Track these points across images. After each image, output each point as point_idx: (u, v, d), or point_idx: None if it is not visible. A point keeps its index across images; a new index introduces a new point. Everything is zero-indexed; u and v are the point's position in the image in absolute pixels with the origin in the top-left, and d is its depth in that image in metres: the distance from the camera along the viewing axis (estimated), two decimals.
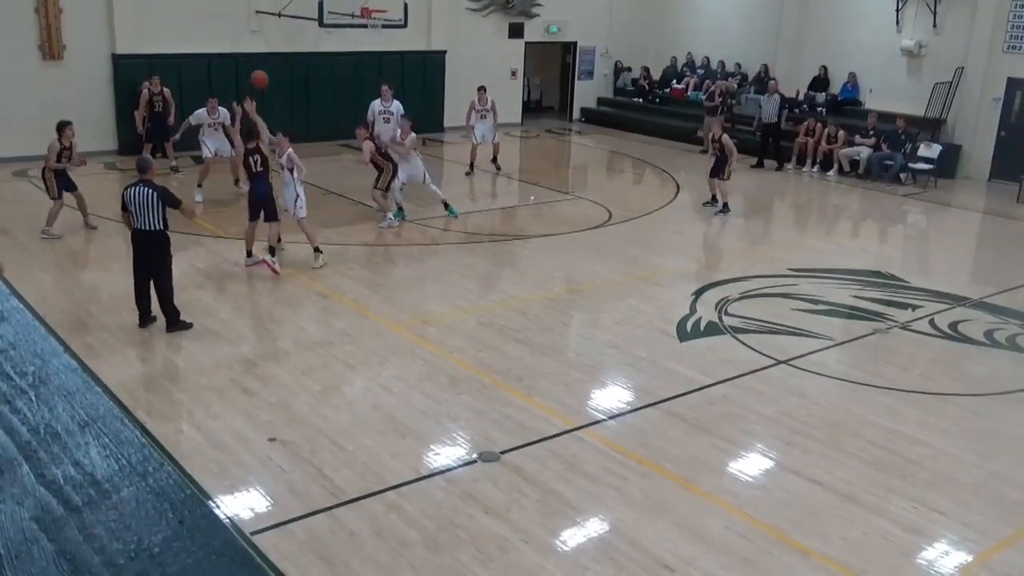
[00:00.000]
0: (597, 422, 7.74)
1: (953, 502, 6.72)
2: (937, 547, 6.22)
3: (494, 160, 17.83)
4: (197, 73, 18.13)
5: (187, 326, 9.16)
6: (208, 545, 1.01)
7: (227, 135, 14.79)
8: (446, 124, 22.33)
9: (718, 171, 15.24)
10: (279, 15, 18.61)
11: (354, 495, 6.35)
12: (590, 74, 25.75)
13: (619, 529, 6.20)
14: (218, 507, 6.12)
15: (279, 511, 6.16)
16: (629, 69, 26.05)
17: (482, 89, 17.64)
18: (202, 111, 15.14)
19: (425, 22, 21.37)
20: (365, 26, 19.15)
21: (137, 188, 8.91)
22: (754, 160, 19.66)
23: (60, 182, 12.38)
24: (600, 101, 25.94)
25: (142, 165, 9.32)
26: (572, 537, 6.12)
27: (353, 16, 18.74)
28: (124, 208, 9.04)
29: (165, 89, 16.47)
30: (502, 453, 7.03)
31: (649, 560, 5.82)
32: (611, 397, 8.39)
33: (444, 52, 21.97)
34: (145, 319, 9.21)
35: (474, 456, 7.00)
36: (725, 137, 15.06)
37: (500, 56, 23.26)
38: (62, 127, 12.35)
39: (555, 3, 23.74)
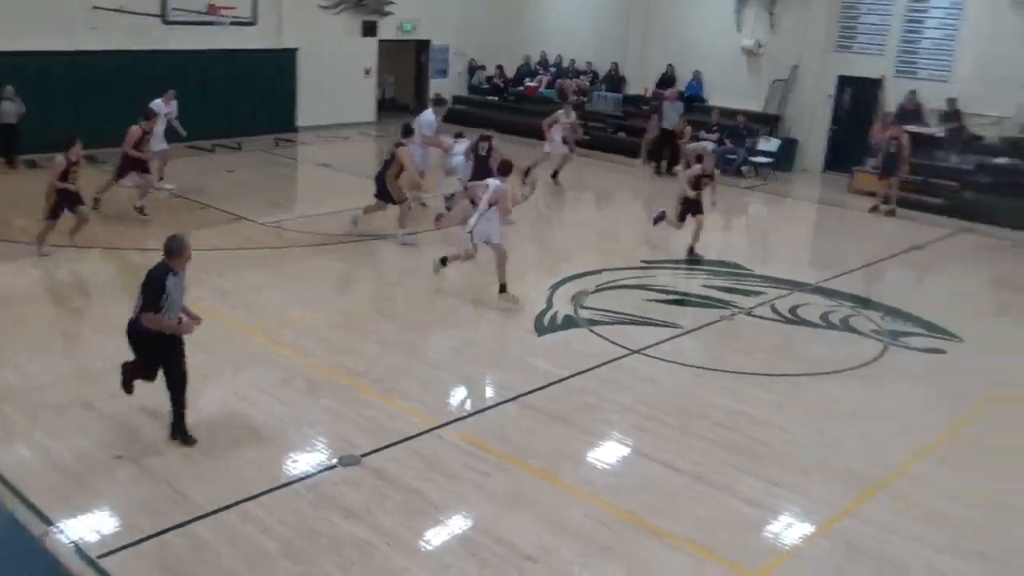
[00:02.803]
0: (458, 419, 7.78)
1: (795, 476, 7.09)
2: (782, 520, 6.55)
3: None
4: (33, 72, 17.15)
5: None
6: (27, 572, 0.98)
7: (174, 129, 15.23)
8: (299, 123, 21.93)
9: (695, 209, 13.20)
10: (119, 10, 17.77)
11: (209, 509, 6.17)
12: (444, 72, 25.79)
13: (482, 525, 6.26)
14: (60, 532, 5.83)
15: (128, 531, 5.91)
16: (483, 67, 26.23)
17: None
18: (159, 102, 14.95)
19: (276, 19, 20.90)
20: (212, 23, 18.58)
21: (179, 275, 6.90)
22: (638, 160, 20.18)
23: (64, 201, 11.40)
24: (455, 99, 25.99)
25: (175, 247, 6.88)
26: (436, 536, 6.14)
27: (200, 13, 18.15)
28: (154, 306, 6.76)
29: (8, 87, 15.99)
30: (363, 456, 6.97)
31: (512, 553, 5.90)
32: (471, 394, 8.45)
33: (295, 50, 21.54)
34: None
35: (334, 461, 6.92)
36: (718, 174, 13.67)
37: (353, 54, 22.99)
38: (70, 143, 11.31)
39: (408, 1, 23.63)
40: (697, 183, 13.05)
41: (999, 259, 14.77)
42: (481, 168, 13.72)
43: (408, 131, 13.91)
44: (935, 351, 9.98)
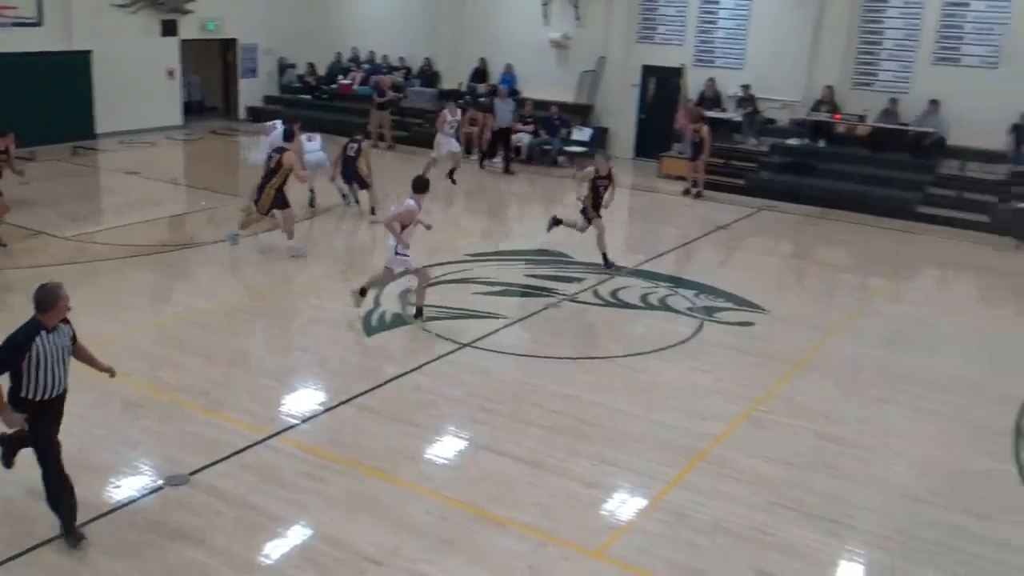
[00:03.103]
0: (290, 427, 7.61)
1: (626, 454, 7.37)
2: (616, 497, 6.80)
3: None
4: None
5: None
6: None
7: None
8: (98, 130, 20.74)
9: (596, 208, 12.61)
10: None
11: (26, 546, 5.77)
12: (253, 72, 25.05)
13: (322, 532, 6.16)
14: None
15: None
16: (294, 66, 25.66)
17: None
18: None
19: (64, 20, 19.63)
20: None
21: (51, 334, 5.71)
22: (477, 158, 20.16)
23: None
24: (267, 99, 25.32)
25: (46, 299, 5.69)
26: (275, 549, 5.98)
27: None
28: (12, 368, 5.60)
29: None
30: (191, 474, 6.71)
31: (355, 557, 5.85)
32: (302, 400, 8.27)
33: (89, 52, 20.31)
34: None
35: (160, 482, 6.62)
36: (615, 174, 12.92)
37: (153, 55, 21.93)
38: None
39: None
40: (595, 186, 12.43)
41: (795, 234, 15.83)
42: (348, 168, 13.54)
43: (290, 136, 13.16)
44: (745, 323, 10.59)
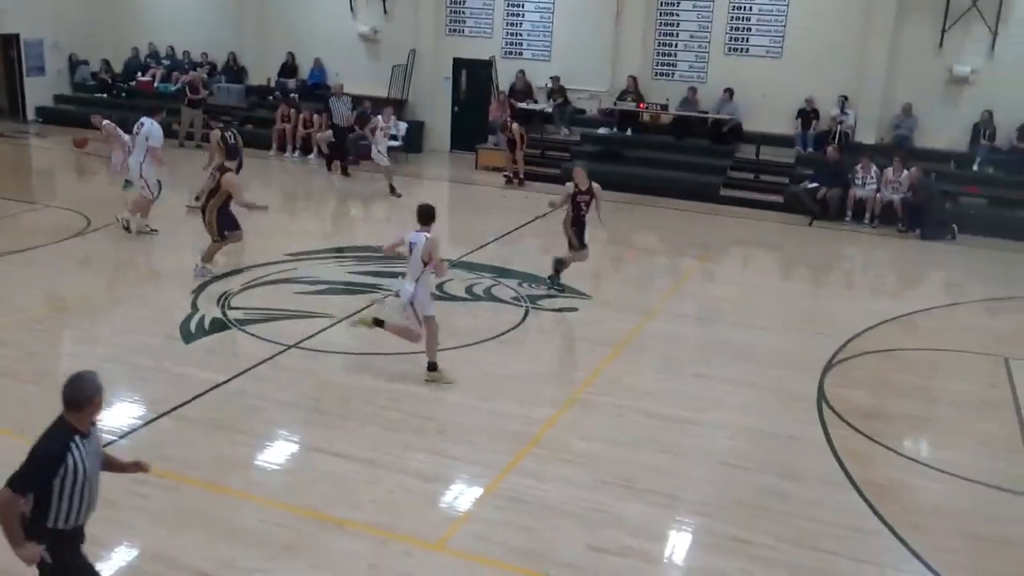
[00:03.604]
0: (106, 444, 7.16)
1: (461, 444, 7.44)
2: (454, 488, 6.86)
3: None
4: None
5: None
6: None
7: None
8: None
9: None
10: None
11: None
12: (41, 69, 23.40)
13: (151, 550, 5.89)
14: None
15: None
16: (87, 62, 24.16)
17: None
18: None
19: None
20: None
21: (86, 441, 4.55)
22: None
23: None
24: (58, 99, 23.75)
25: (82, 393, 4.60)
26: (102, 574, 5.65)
27: None
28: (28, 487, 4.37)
29: None
30: None
31: (187, 573, 5.63)
32: (119, 414, 7.81)
33: None
34: None
35: None
36: (596, 187, 11.44)
37: None
38: None
39: None
40: (576, 203, 11.20)
41: (610, 220, 16.31)
42: (234, 156, 12.35)
43: (232, 155, 12.25)
44: (569, 309, 10.90)
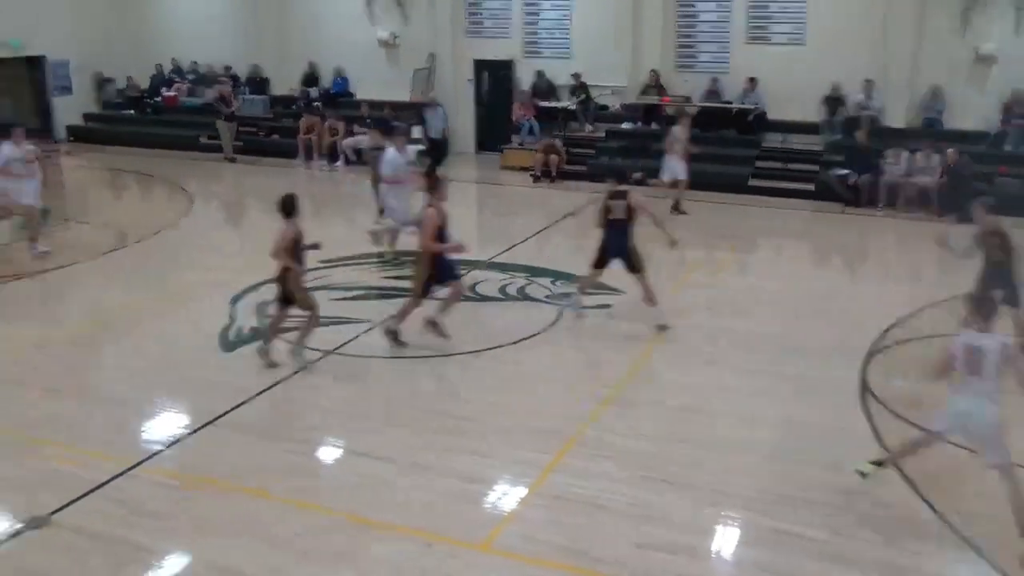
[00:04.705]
0: (154, 455, 7.29)
1: (502, 445, 7.44)
2: (497, 488, 6.85)
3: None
4: None
5: None
6: None
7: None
8: None
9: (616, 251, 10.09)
10: None
11: None
12: (68, 89, 23.71)
13: (203, 558, 5.95)
14: None
15: None
16: (112, 80, 24.45)
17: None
18: (7, 147, 12.60)
19: None
20: None
21: None
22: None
23: None
24: (88, 117, 24.06)
25: None
26: None
27: None
28: None
29: None
30: (52, 514, 6.33)
31: None
32: (165, 425, 7.93)
33: None
34: None
35: (19, 526, 6.21)
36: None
37: None
38: None
39: (11, 14, 21.40)
40: (605, 217, 9.86)
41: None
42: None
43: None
44: (602, 306, 10.88)
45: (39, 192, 13.17)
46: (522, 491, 6.78)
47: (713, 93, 18.85)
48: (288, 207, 8.64)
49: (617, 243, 9.88)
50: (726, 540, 6.27)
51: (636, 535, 6.16)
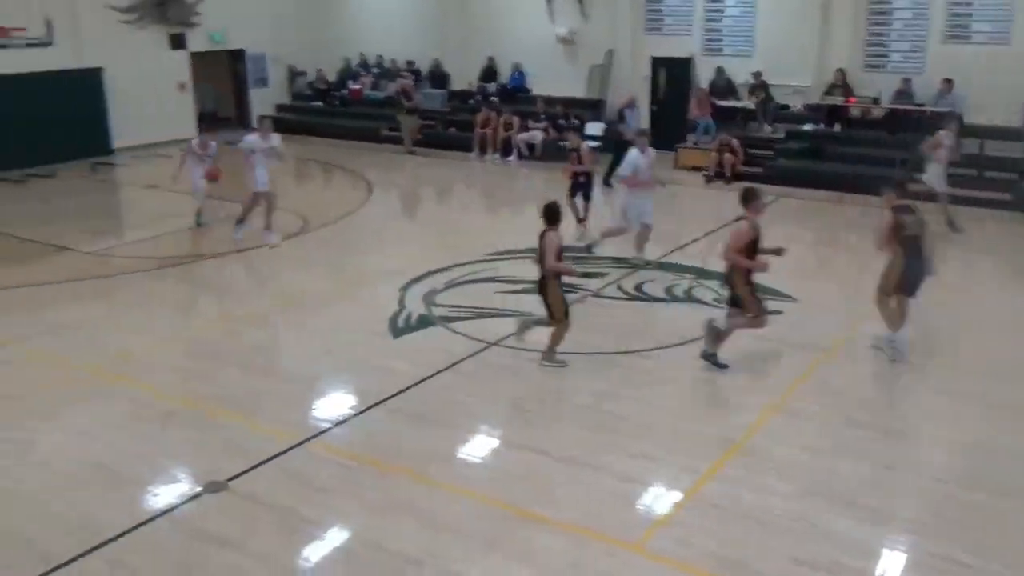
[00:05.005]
0: (323, 432, 7.63)
1: (661, 447, 7.34)
2: (653, 490, 6.76)
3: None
4: None
5: None
6: None
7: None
8: (116, 145, 20.88)
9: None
10: None
11: (68, 557, 5.81)
12: (264, 81, 25.13)
13: (361, 534, 6.18)
14: None
15: None
16: (304, 73, 25.72)
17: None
18: (253, 137, 13.18)
19: (74, 38, 19.77)
20: (4, 46, 17.40)
21: None
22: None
23: None
24: (279, 108, 25.40)
25: None
26: (314, 552, 6.01)
27: None
28: None
29: None
30: (229, 480, 6.74)
31: (394, 559, 5.86)
32: (333, 404, 8.29)
33: (100, 69, 20.45)
34: None
35: (198, 489, 6.65)
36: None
37: (164, 69, 22.09)
38: None
39: (216, 10, 22.89)
40: (899, 235, 9.01)
41: (815, 220, 15.76)
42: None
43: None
44: (774, 312, 10.50)
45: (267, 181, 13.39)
46: (678, 495, 6.67)
47: (903, 94, 17.88)
48: (553, 214, 8.66)
49: (923, 264, 8.97)
50: (892, 564, 5.94)
51: (796, 551, 5.94)
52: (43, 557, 5.83)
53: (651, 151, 12.68)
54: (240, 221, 13.48)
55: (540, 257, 8.60)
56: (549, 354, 8.88)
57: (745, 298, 8.63)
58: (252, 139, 13.26)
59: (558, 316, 8.73)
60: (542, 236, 8.62)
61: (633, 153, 12.43)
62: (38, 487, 6.72)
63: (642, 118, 19.04)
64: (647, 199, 12.37)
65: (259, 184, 13.23)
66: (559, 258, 8.58)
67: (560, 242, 8.63)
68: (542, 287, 8.71)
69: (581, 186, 13.99)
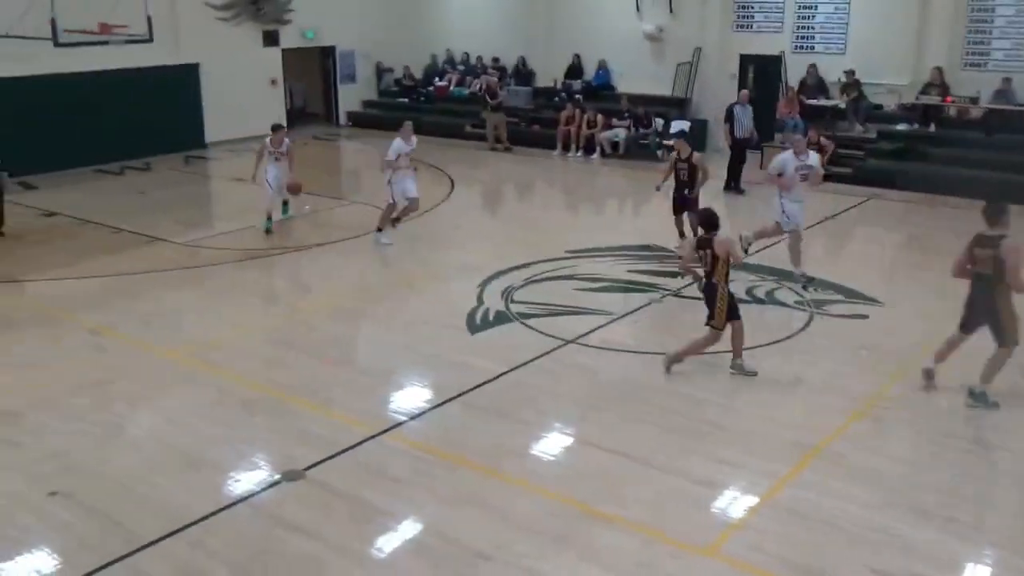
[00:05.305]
0: (398, 424, 7.72)
1: (736, 450, 7.21)
2: (727, 494, 6.65)
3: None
4: None
5: None
6: None
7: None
8: (209, 139, 21.50)
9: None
10: (5, 36, 17.11)
11: (152, 538, 6.00)
12: (352, 77, 25.52)
13: (432, 526, 6.23)
14: None
15: (69, 569, 5.72)
16: (391, 70, 26.05)
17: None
18: (399, 142, 12.92)
19: (172, 35, 20.39)
20: (107, 42, 18.03)
21: None
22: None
23: None
24: (366, 104, 25.79)
25: None
26: (386, 543, 6.09)
27: (92, 33, 17.59)
28: None
29: None
30: (306, 469, 6.87)
31: (464, 552, 5.89)
32: (409, 397, 8.39)
33: (197, 65, 21.07)
34: None
35: (277, 476, 6.80)
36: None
37: (257, 65, 22.60)
38: None
39: (308, 7, 23.33)
40: (968, 268, 8.02)
41: (907, 222, 15.29)
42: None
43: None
44: (858, 316, 10.26)
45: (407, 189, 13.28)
46: (753, 500, 6.55)
47: (1003, 93, 17.20)
48: (713, 221, 8.48)
49: (982, 304, 7.95)
50: None
51: (874, 561, 5.78)
52: (128, 538, 6.03)
53: (811, 154, 11.90)
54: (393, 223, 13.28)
55: (707, 262, 8.44)
56: (737, 363, 8.62)
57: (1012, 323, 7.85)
58: (398, 144, 12.95)
59: (719, 324, 8.48)
60: (706, 244, 8.42)
61: (785, 155, 11.70)
62: (125, 470, 6.96)
63: (750, 113, 18.34)
64: (797, 200, 11.55)
65: (409, 192, 13.14)
66: (735, 256, 8.41)
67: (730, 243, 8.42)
68: (710, 292, 8.50)
69: (685, 202, 12.78)
